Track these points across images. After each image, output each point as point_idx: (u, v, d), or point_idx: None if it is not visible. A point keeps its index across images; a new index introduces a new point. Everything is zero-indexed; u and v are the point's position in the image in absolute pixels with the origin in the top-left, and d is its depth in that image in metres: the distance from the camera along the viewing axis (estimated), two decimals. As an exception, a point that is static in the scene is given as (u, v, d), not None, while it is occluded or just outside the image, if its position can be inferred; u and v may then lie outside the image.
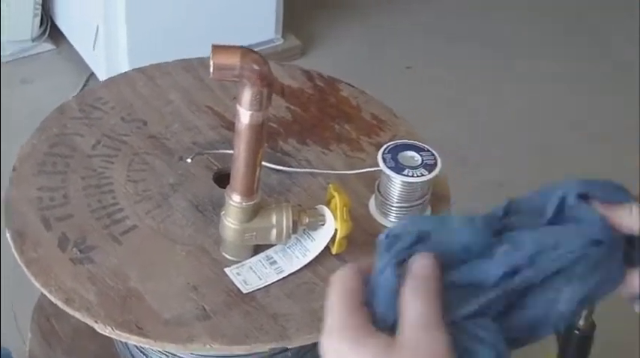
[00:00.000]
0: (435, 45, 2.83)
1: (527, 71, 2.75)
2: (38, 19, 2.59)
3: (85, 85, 2.52)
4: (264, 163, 1.28)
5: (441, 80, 2.69)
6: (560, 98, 2.66)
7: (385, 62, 2.75)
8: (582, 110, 2.62)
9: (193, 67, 1.46)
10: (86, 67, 2.55)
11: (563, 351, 1.66)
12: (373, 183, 1.27)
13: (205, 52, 1.41)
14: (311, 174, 1.31)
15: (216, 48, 1.04)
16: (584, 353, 1.66)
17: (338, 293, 0.69)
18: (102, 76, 2.46)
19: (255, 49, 1.09)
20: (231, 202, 1.15)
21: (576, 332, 1.62)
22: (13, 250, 1.20)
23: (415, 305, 0.66)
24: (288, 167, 1.32)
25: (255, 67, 1.04)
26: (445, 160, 1.32)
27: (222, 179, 1.28)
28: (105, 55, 2.42)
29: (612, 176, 0.75)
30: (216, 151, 1.33)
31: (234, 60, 1.04)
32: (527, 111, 2.61)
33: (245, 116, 1.07)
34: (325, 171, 1.31)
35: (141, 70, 1.47)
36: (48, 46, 2.66)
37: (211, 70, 1.04)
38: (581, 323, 1.61)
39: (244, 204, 1.15)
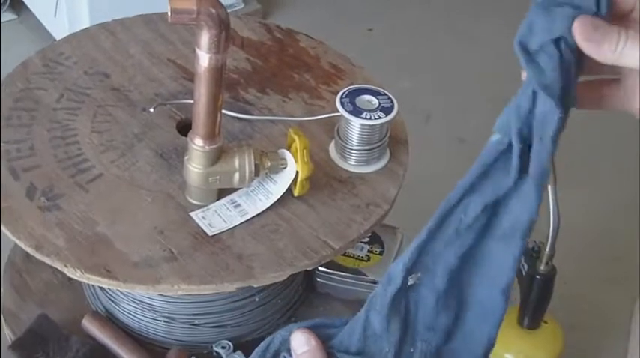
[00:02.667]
0: (395, 7, 2.86)
1: (485, 30, 2.79)
2: (-2, -12, 2.60)
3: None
4: (226, 111, 1.32)
5: (401, 41, 2.72)
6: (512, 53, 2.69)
7: (347, 25, 2.77)
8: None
9: (154, 21, 1.49)
10: (49, 35, 2.56)
11: (525, 296, 1.70)
12: (333, 130, 1.30)
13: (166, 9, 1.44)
14: (272, 121, 1.34)
15: (174, -8, 1.06)
16: (546, 298, 1.71)
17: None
18: (64, 42, 2.46)
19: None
20: (193, 146, 1.18)
21: (537, 276, 1.66)
22: (-18, 201, 1.22)
23: None
24: (250, 115, 1.34)
25: (212, 10, 1.07)
26: (407, 117, 1.35)
27: (186, 129, 1.30)
28: (67, 21, 2.43)
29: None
30: (179, 101, 1.35)
31: (190, 3, 1.06)
32: (488, 67, 2.65)
33: (204, 59, 1.10)
34: (286, 118, 1.34)
35: (102, 26, 1.49)
36: (9, 16, 2.67)
37: (169, 14, 1.07)
38: (541, 267, 1.65)
39: (207, 147, 1.17)
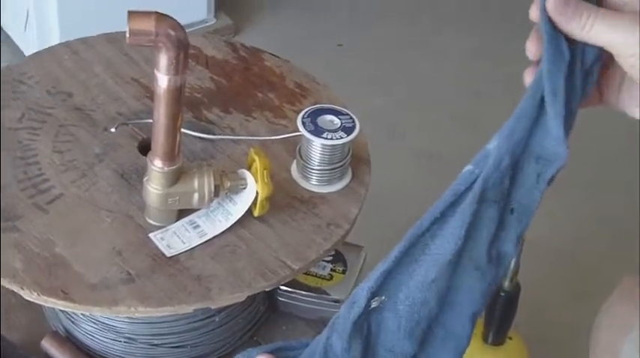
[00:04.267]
0: (365, 23, 2.87)
1: (453, 46, 2.80)
2: (-32, 3, 2.58)
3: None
4: (188, 131, 1.31)
5: (370, 57, 2.73)
6: (479, 70, 2.71)
7: (317, 40, 2.78)
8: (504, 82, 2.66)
9: (118, 40, 1.48)
10: (17, 49, 2.55)
11: (490, 312, 1.71)
12: (295, 149, 1.30)
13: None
14: (234, 141, 1.34)
15: (132, 14, 1.06)
16: (510, 315, 1.71)
17: None
18: (34, 57, 2.46)
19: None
20: (153, 167, 1.17)
21: (502, 293, 1.66)
22: (-62, 222, 1.21)
23: None
24: (212, 135, 1.34)
25: (171, 31, 1.06)
26: (374, 133, 1.35)
27: (147, 149, 1.29)
28: (36, 36, 2.43)
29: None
30: (140, 121, 1.35)
31: (149, 25, 1.06)
32: (458, 84, 2.66)
33: (162, 80, 1.10)
34: (248, 138, 1.34)
35: (65, 44, 1.48)
36: (-21, 31, 2.66)
37: (127, 35, 1.06)
38: (506, 284, 1.65)
39: (166, 168, 1.17)
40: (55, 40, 2.40)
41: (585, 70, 0.81)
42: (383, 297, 0.79)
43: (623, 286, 1.19)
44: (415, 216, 0.81)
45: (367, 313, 0.79)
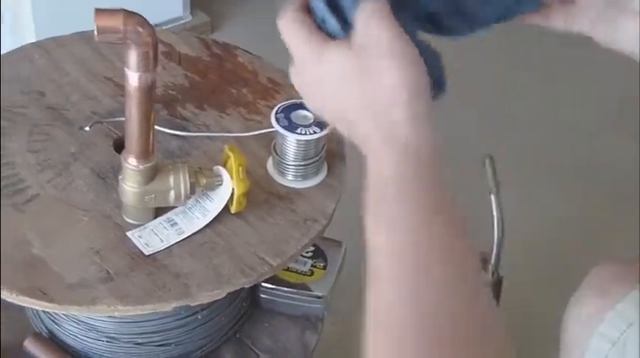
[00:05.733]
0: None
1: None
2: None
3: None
4: (162, 129, 1.31)
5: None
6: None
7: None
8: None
9: (90, 38, 1.47)
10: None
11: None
12: (270, 145, 1.30)
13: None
14: (209, 137, 1.34)
15: (99, 11, 1.06)
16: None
17: (290, 29, 0.83)
18: (8, 57, 2.44)
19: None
20: (127, 165, 1.17)
21: (482, 285, 1.67)
22: None
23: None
24: (187, 132, 1.34)
25: (139, 28, 1.06)
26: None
27: (122, 146, 1.29)
28: (10, 34, 2.41)
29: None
30: (115, 119, 1.34)
31: (116, 22, 1.05)
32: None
33: (133, 78, 1.09)
34: (222, 134, 1.34)
35: (37, 44, 1.48)
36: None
37: (95, 32, 1.06)
38: (488, 278, 1.65)
39: (141, 166, 1.17)
40: (30, 39, 2.39)
41: None
42: None
43: (591, 277, 1.19)
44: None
45: None
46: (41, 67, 1.43)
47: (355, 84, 0.78)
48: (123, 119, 1.32)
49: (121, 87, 1.40)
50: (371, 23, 0.78)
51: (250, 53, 1.48)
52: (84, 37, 1.49)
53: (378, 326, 0.74)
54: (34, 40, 2.34)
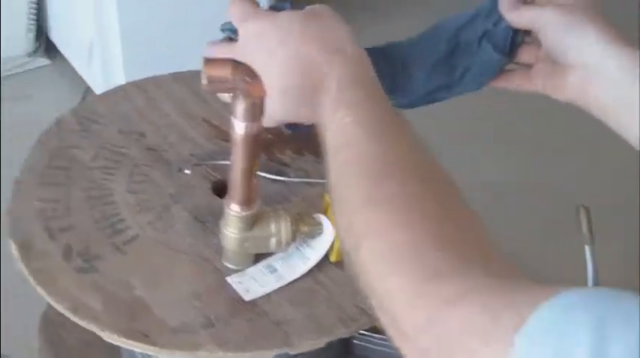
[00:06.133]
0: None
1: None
2: (33, 34, 2.62)
3: (82, 99, 2.55)
4: (262, 173, 1.32)
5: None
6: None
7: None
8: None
9: (187, 79, 1.49)
10: (82, 80, 2.58)
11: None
12: (369, 191, 1.30)
13: (199, 63, 1.44)
14: (308, 183, 1.34)
15: (208, 61, 1.06)
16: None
17: (237, 5, 1.03)
18: (98, 89, 2.49)
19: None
20: (230, 211, 1.18)
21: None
22: (19, 261, 1.23)
23: None
24: (286, 177, 1.34)
25: (247, 78, 1.07)
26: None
27: (221, 189, 1.31)
28: (100, 68, 2.45)
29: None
30: (214, 162, 1.35)
31: (226, 72, 1.06)
32: (505, 114, 2.65)
33: (240, 127, 1.10)
34: (322, 181, 1.34)
35: (135, 84, 1.50)
36: (43, 61, 2.69)
37: (204, 82, 1.07)
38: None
39: (243, 213, 1.17)
40: (119, 73, 2.44)
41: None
42: None
43: None
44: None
45: None
46: (140, 107, 1.45)
47: (304, 24, 0.97)
48: (222, 162, 1.34)
49: (217, 128, 1.42)
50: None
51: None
52: (179, 77, 1.50)
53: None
54: (122, 75, 2.41)
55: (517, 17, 1.07)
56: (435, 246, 0.77)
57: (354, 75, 0.94)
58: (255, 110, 1.10)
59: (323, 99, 0.93)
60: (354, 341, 1.40)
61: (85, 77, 2.55)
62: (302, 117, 1.02)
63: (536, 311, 0.64)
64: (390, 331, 0.78)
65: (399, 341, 0.76)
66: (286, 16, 0.99)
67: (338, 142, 0.90)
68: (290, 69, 0.98)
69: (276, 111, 1.03)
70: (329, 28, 0.97)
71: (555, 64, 1.06)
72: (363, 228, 0.82)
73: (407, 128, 0.90)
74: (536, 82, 1.10)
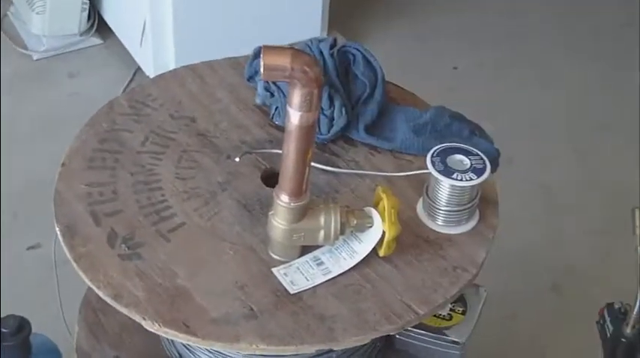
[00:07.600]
0: (480, 46, 2.82)
1: (575, 77, 2.73)
2: (86, 13, 2.62)
3: (131, 80, 2.54)
4: (313, 164, 1.29)
5: (486, 81, 2.68)
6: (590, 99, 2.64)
7: (431, 62, 2.74)
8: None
9: (241, 65, 1.46)
10: (133, 61, 2.57)
11: (610, 358, 1.64)
12: (421, 186, 1.27)
13: (251, 48, 1.42)
14: (359, 175, 1.31)
15: (267, 49, 1.04)
16: (631, 361, 1.64)
17: None
18: (148, 70, 2.47)
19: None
20: (279, 202, 1.15)
21: (623, 340, 1.60)
22: (63, 245, 1.21)
23: None
24: (336, 168, 1.32)
25: (306, 68, 1.04)
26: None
27: (270, 179, 1.28)
28: (152, 49, 2.44)
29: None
30: (265, 151, 1.33)
31: (284, 61, 1.03)
32: (566, 112, 2.60)
33: (295, 117, 1.07)
34: (373, 173, 1.31)
35: (189, 68, 1.47)
36: (95, 41, 2.69)
37: (262, 70, 1.04)
38: (628, 331, 1.59)
39: (293, 204, 1.15)
40: (170, 54, 2.42)
41: None
42: None
43: None
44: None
45: None
46: (193, 92, 1.43)
47: None
48: (272, 151, 1.31)
49: (269, 116, 1.39)
50: None
51: (402, 88, 1.45)
52: (234, 63, 1.48)
53: None
54: (172, 57, 2.39)
55: None
56: None
57: None
58: (312, 100, 1.07)
59: None
60: (396, 336, 1.38)
61: (136, 57, 2.54)
62: None
63: None
64: None
65: None
66: None
67: None
68: None
69: None
70: None
71: None
72: None
73: None
74: None
